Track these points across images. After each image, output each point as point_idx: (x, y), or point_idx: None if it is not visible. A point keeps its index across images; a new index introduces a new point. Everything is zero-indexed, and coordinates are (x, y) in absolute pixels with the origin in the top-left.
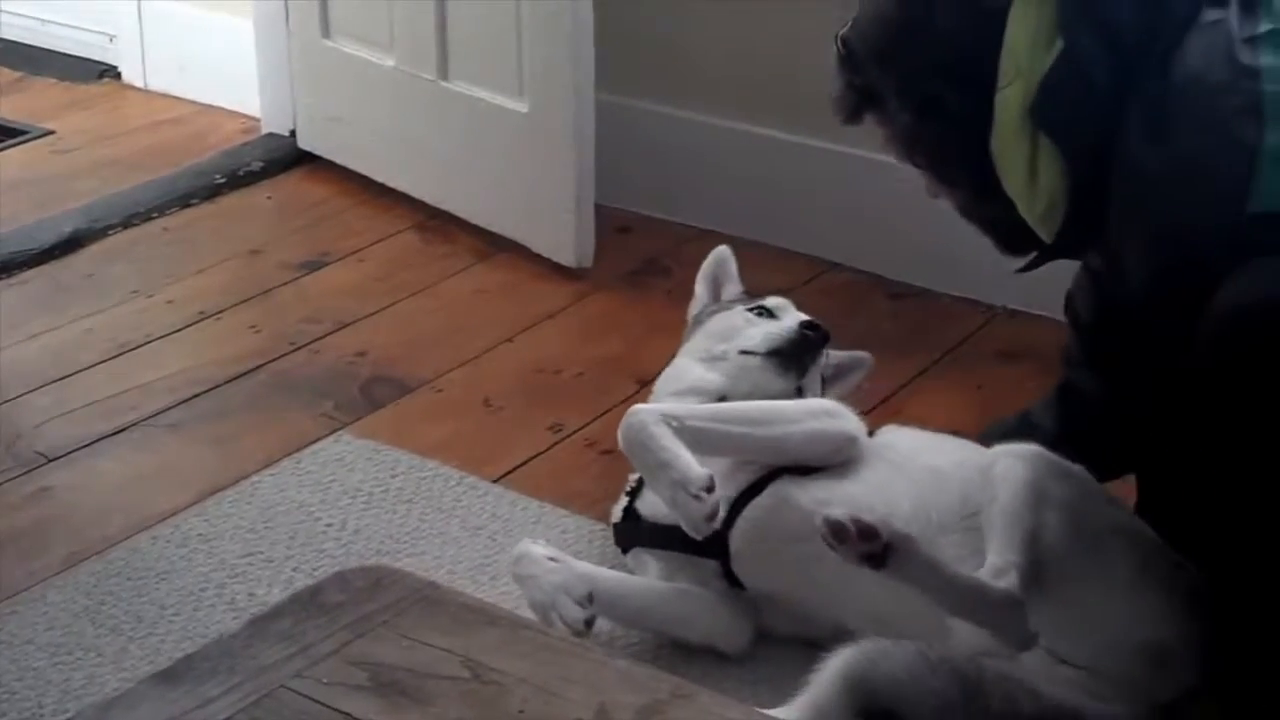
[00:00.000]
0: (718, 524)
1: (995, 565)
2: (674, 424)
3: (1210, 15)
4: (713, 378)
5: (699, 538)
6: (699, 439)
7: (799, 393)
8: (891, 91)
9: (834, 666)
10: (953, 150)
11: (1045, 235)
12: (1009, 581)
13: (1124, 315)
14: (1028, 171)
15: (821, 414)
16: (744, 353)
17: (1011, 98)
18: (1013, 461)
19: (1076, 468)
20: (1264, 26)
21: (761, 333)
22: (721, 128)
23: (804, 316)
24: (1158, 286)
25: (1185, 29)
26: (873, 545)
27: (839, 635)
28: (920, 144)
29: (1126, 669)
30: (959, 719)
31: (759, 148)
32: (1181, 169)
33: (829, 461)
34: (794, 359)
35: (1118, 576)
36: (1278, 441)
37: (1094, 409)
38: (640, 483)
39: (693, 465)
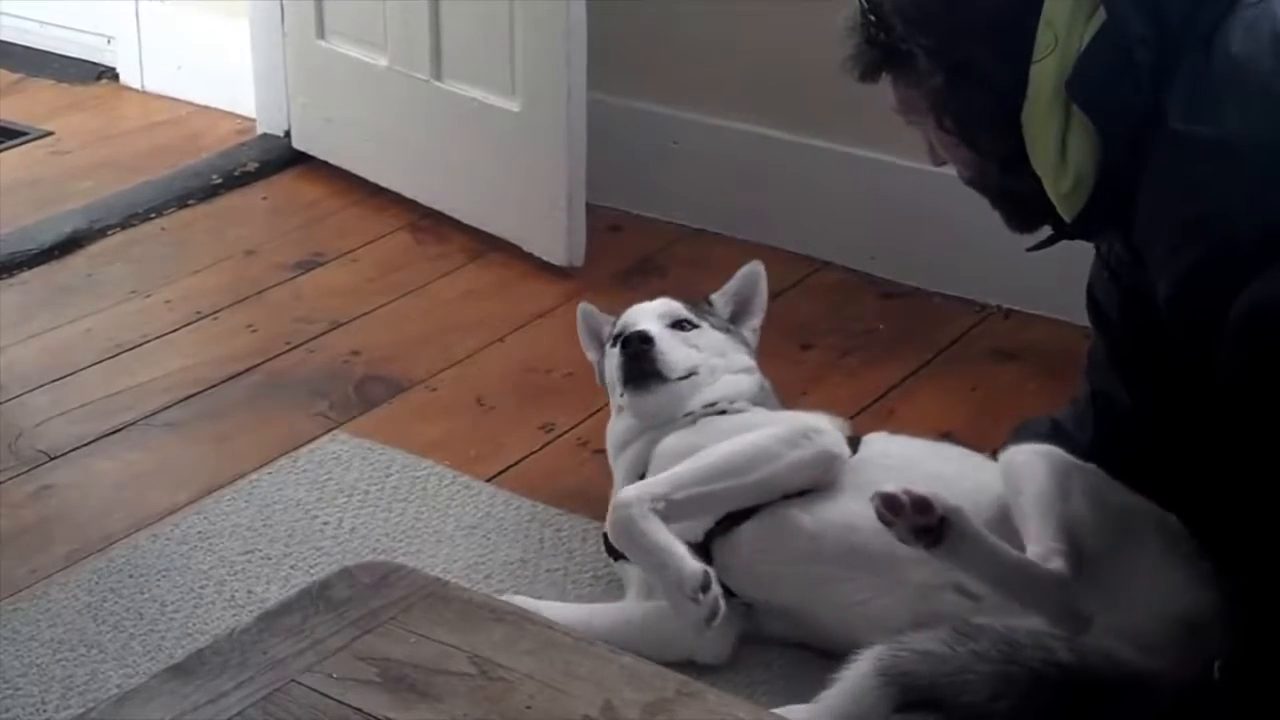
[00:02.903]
0: (719, 621)
1: (1038, 552)
2: (660, 506)
3: None
4: (629, 424)
5: (702, 636)
6: (690, 508)
7: (692, 374)
8: (924, 52)
9: (865, 664)
10: (983, 117)
11: (1066, 214)
12: (1057, 565)
13: (1149, 312)
14: (1058, 147)
15: (801, 439)
16: (622, 395)
17: (1047, 70)
18: (1030, 456)
19: (1089, 465)
20: None
21: (617, 369)
22: (713, 127)
23: (638, 326)
24: (1192, 277)
25: (1229, 8)
26: (928, 518)
27: (836, 640)
28: (949, 108)
29: (1166, 640)
30: (999, 677)
31: (750, 147)
32: (1227, 153)
33: (820, 483)
34: (644, 374)
35: (1151, 554)
36: None
37: (1126, 419)
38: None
39: (686, 564)
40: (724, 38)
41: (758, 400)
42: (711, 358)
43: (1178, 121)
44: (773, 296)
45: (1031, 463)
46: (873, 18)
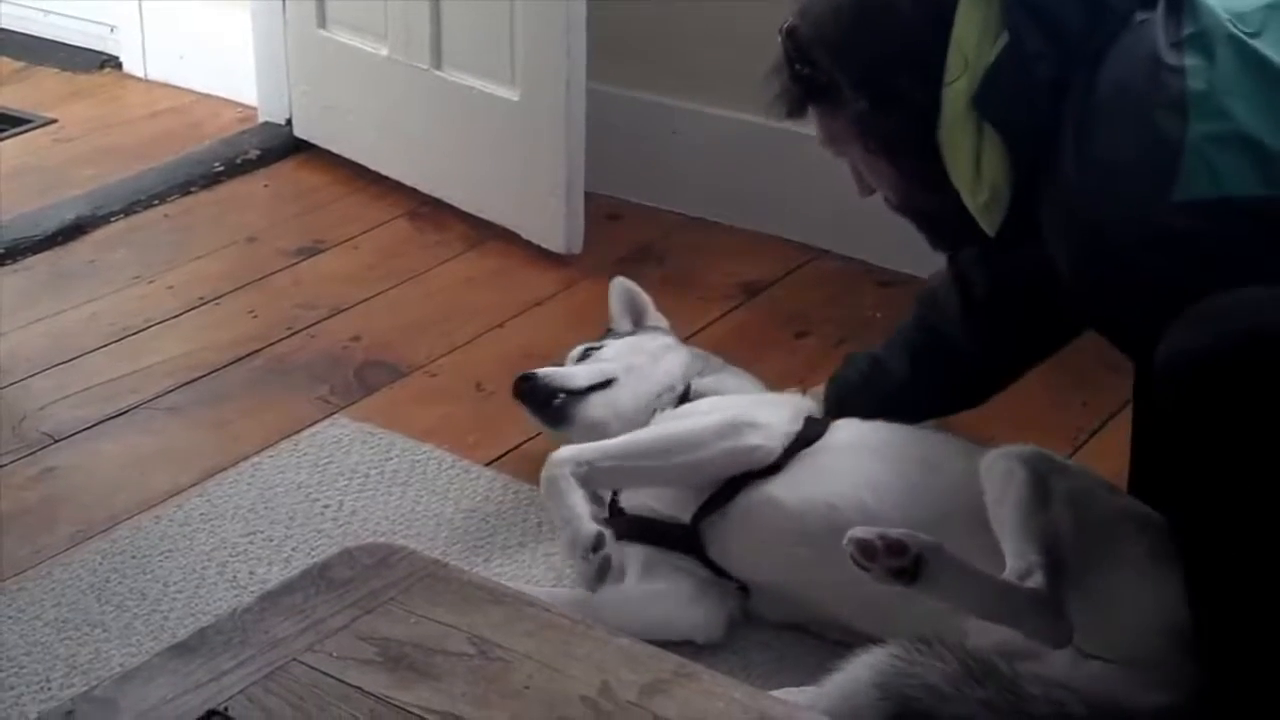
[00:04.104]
0: (608, 581)
1: (1018, 567)
2: (584, 470)
3: (1139, 16)
4: None
5: (591, 592)
6: (612, 477)
7: (609, 381)
8: (849, 81)
9: (862, 672)
10: (906, 138)
11: (988, 227)
12: (1036, 581)
13: (1017, 291)
14: (973, 162)
15: (730, 431)
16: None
17: (959, 90)
18: (1011, 462)
19: (1072, 462)
20: (1188, 29)
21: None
22: (710, 115)
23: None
24: (1083, 280)
25: (1121, 27)
26: (902, 560)
27: (829, 622)
28: (874, 132)
29: (1156, 654)
30: None
31: (747, 134)
32: (1106, 169)
33: (748, 470)
34: (547, 404)
35: (1134, 564)
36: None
37: (954, 357)
38: None
39: (584, 525)
40: (722, 27)
41: (695, 369)
42: (628, 358)
43: (1067, 139)
44: (770, 284)
45: (1011, 470)
46: (794, 52)
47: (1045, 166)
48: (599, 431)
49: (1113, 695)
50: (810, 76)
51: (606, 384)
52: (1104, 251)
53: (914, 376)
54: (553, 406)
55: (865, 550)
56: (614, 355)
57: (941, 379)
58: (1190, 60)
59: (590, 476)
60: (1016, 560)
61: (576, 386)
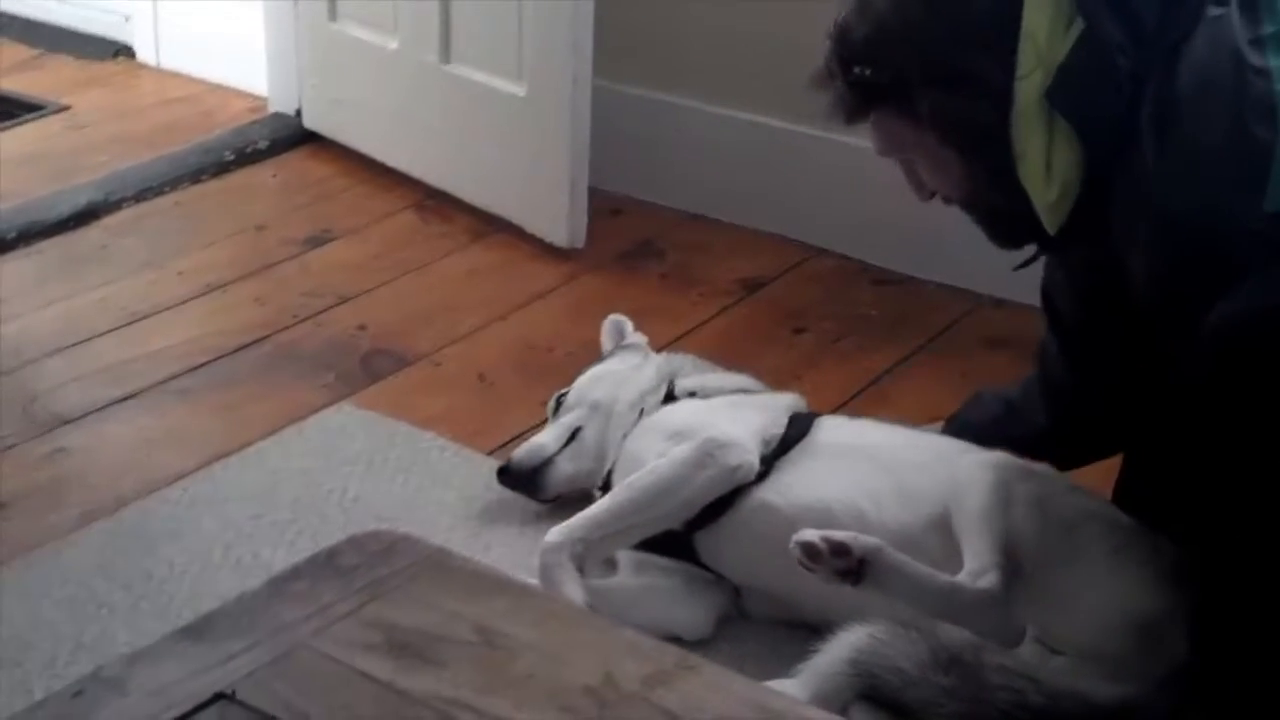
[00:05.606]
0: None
1: (973, 568)
2: (580, 549)
3: (1213, 11)
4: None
5: None
6: (610, 545)
7: (575, 432)
8: (920, 71)
9: (841, 650)
10: (985, 127)
11: (1052, 225)
12: (989, 581)
13: (1106, 314)
14: (1044, 159)
15: (706, 461)
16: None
17: (1031, 85)
18: (977, 467)
19: (1040, 466)
20: (1268, 28)
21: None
22: (712, 114)
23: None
24: (1168, 280)
25: (1195, 22)
26: (847, 562)
27: (821, 618)
28: (950, 121)
29: (1118, 648)
30: (967, 716)
31: (748, 133)
32: (1192, 162)
33: (733, 487)
34: (525, 479)
35: (1096, 559)
36: (1263, 447)
37: (1077, 405)
38: (608, 476)
39: None
40: (726, 27)
41: (672, 371)
42: (590, 397)
43: (1146, 129)
44: (769, 281)
45: (976, 476)
46: (848, 55)
47: (1120, 158)
48: (582, 479)
49: (1075, 688)
50: (871, 79)
51: (573, 436)
52: (1184, 244)
53: (1054, 428)
54: (532, 478)
55: (810, 553)
56: (576, 399)
57: (1068, 429)
58: (1274, 61)
59: (588, 553)
60: (973, 561)
61: (547, 456)
